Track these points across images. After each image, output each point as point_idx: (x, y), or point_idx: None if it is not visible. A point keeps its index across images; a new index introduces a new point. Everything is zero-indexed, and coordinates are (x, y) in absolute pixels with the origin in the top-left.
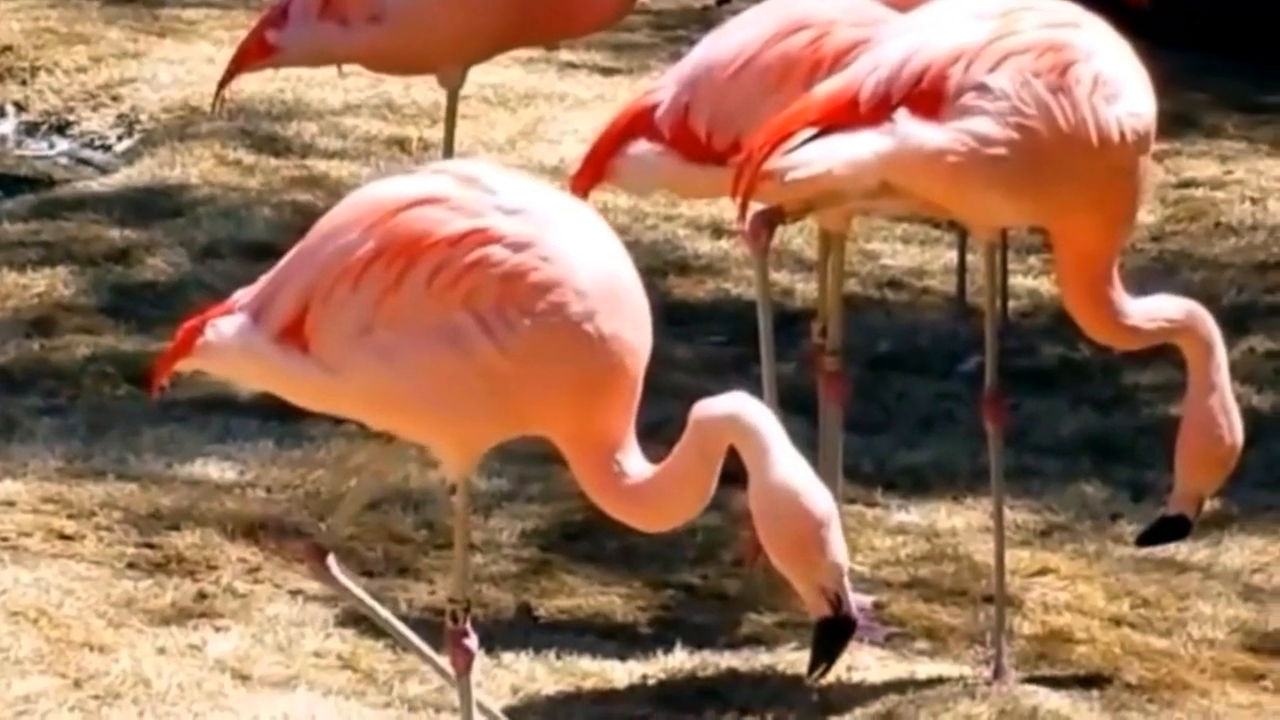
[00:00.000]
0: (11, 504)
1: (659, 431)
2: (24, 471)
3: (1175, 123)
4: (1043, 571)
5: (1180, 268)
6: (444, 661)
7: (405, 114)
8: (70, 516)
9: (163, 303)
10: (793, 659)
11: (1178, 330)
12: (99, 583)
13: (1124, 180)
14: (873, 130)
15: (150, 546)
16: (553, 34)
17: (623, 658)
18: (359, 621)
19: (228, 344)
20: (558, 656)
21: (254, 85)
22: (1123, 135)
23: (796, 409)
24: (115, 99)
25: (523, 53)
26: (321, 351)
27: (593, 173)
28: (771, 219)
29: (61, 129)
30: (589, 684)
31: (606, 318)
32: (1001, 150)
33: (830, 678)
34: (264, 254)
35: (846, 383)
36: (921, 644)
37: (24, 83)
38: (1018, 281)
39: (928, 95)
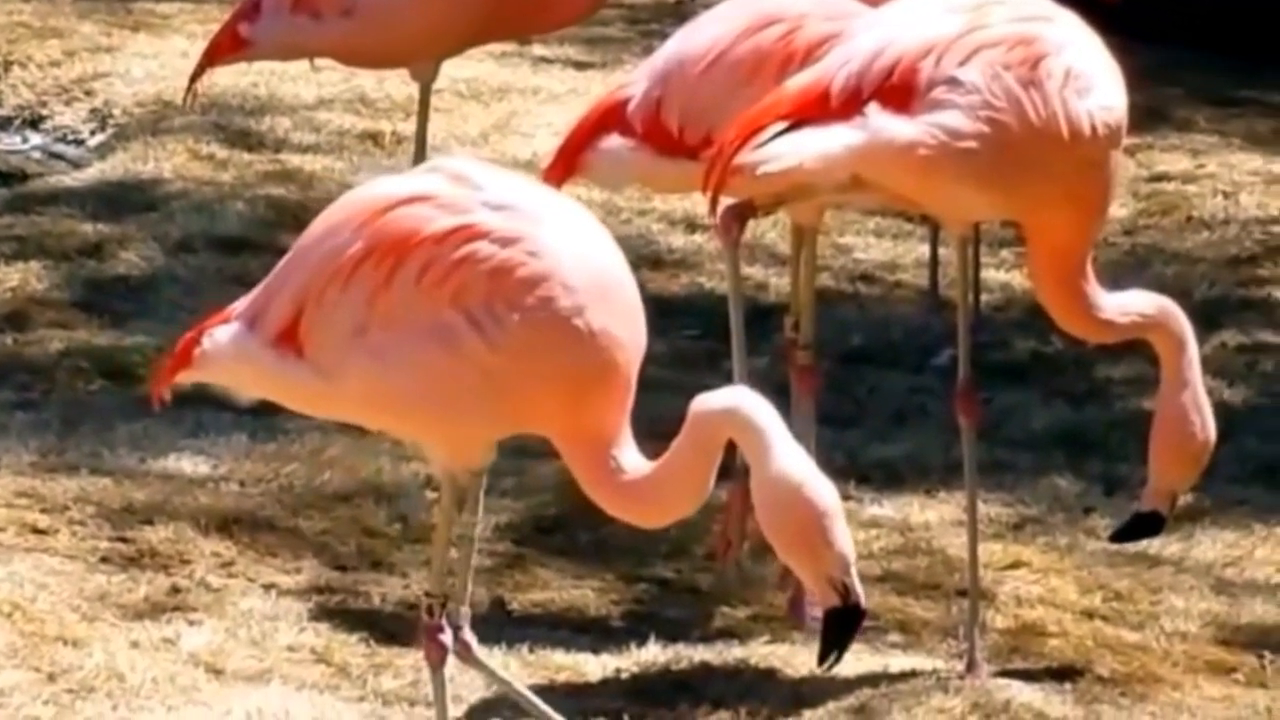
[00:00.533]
0: None
1: (632, 424)
2: None
3: (1147, 117)
4: (1015, 565)
5: (1152, 261)
6: None
7: (378, 108)
8: (44, 511)
9: (136, 297)
10: (765, 652)
11: (1151, 326)
12: (72, 577)
13: (1095, 174)
14: (844, 124)
15: (124, 541)
16: (525, 28)
17: (596, 651)
18: (332, 616)
19: (225, 352)
20: (531, 650)
21: (227, 79)
22: (1094, 129)
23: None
24: (88, 93)
25: (496, 47)
26: (316, 355)
27: (565, 167)
28: (742, 213)
29: (35, 123)
30: (562, 678)
31: (596, 312)
32: (972, 144)
33: (803, 671)
34: (237, 248)
35: (819, 376)
36: (895, 637)
37: None
38: (990, 275)
39: (899, 89)
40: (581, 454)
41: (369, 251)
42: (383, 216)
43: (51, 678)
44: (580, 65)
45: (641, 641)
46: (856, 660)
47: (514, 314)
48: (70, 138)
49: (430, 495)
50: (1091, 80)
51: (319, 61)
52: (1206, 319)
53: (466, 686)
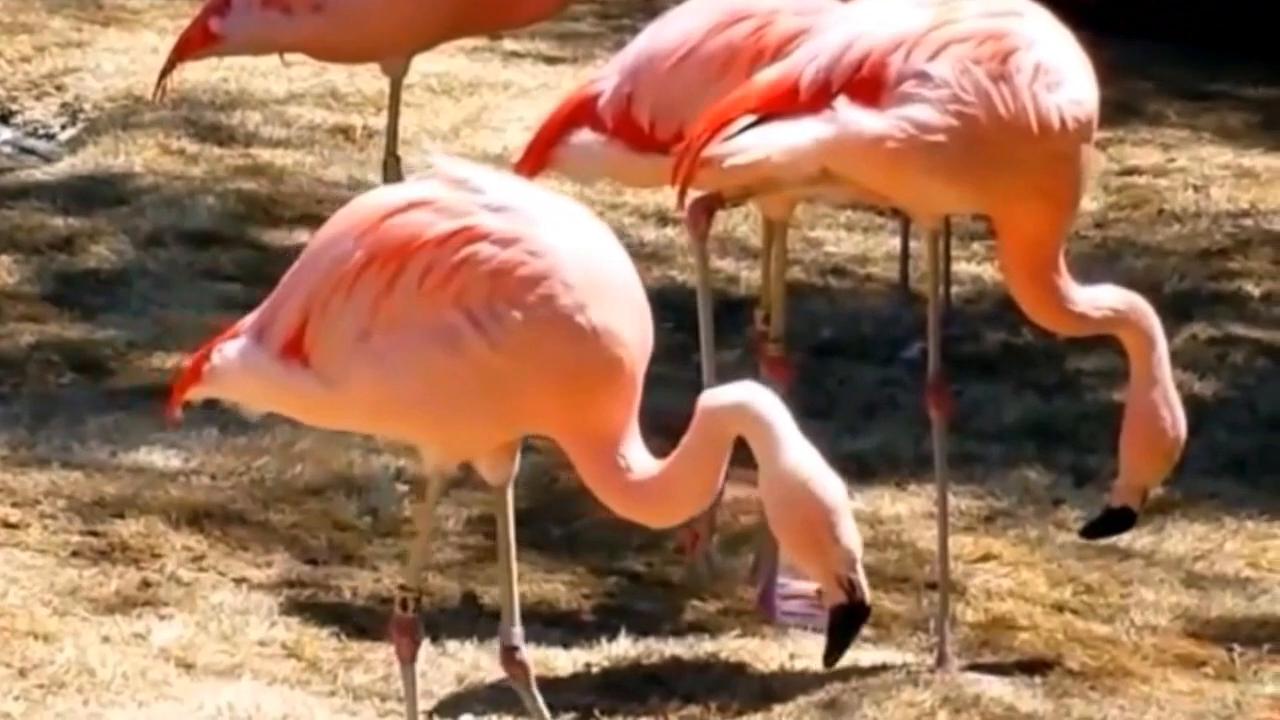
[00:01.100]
0: None
1: None
2: None
3: (1118, 110)
4: (986, 558)
5: (1123, 255)
6: None
7: (349, 103)
8: (14, 505)
9: (107, 291)
10: (736, 646)
11: (1122, 322)
12: (43, 571)
13: (1066, 168)
14: (812, 117)
15: (94, 535)
16: (496, 24)
17: (567, 645)
18: (303, 610)
19: (234, 367)
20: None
21: (198, 74)
22: (1064, 123)
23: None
24: (59, 88)
25: (467, 41)
26: (322, 364)
27: (536, 161)
28: (710, 205)
29: (5, 118)
30: (534, 672)
31: (598, 309)
32: (941, 137)
33: (773, 665)
34: (207, 243)
35: (790, 369)
36: (865, 631)
37: None
38: (961, 268)
39: (868, 83)
40: (588, 454)
41: (371, 258)
42: (383, 223)
43: (22, 673)
44: (551, 60)
45: (612, 635)
46: None
47: (515, 313)
48: (41, 132)
49: (401, 488)
50: (1061, 75)
51: (290, 56)
52: (1177, 312)
53: (438, 681)
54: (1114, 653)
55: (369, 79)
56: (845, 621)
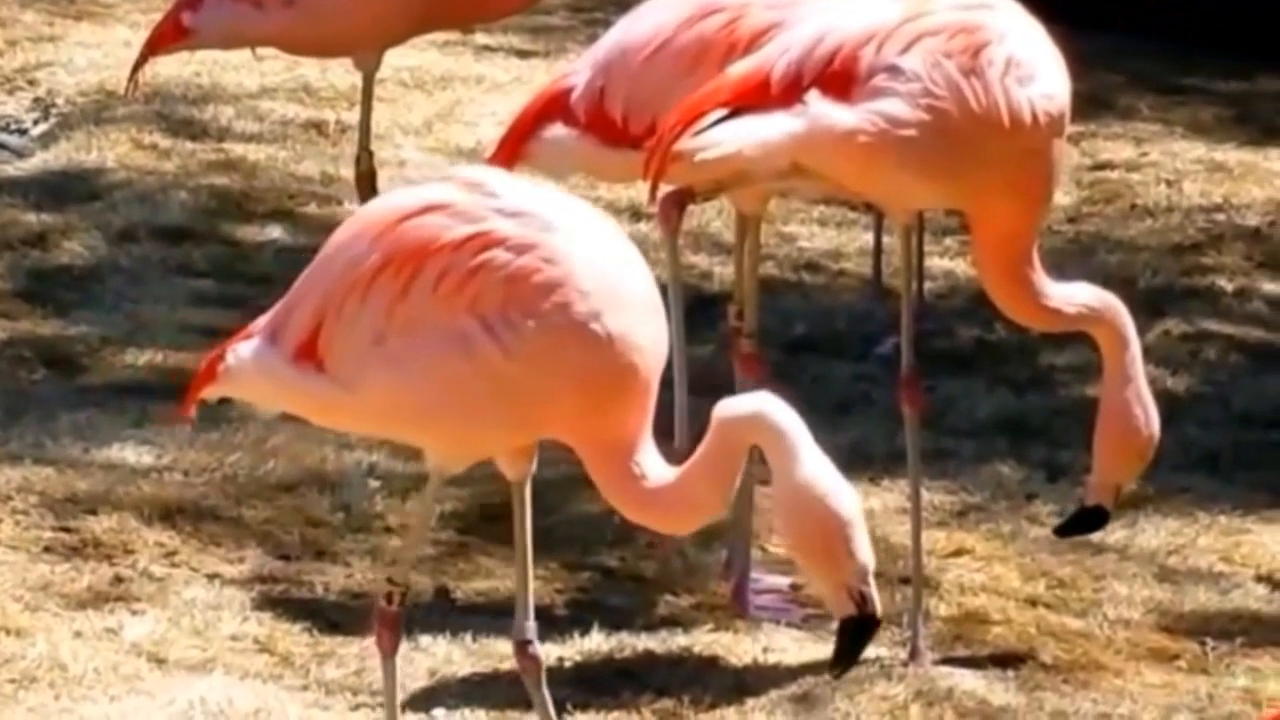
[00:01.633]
0: None
1: None
2: None
3: (1090, 105)
4: (959, 552)
5: (1096, 250)
6: None
7: (322, 97)
8: None
9: (79, 287)
10: (709, 640)
11: (1096, 319)
12: (15, 567)
13: (1038, 162)
14: (784, 111)
15: (67, 530)
16: (468, 18)
17: (540, 640)
18: (276, 605)
19: (248, 368)
20: (474, 639)
21: (170, 68)
22: (1035, 117)
23: (713, 392)
24: (31, 83)
25: (439, 35)
26: (336, 367)
27: (508, 156)
28: (681, 200)
29: None
30: (506, 666)
31: (613, 316)
32: (912, 131)
33: (746, 659)
34: (180, 238)
35: (763, 365)
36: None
37: None
38: (934, 263)
39: (839, 76)
40: (602, 461)
41: (386, 262)
42: (399, 227)
43: None
44: (523, 54)
45: (585, 630)
46: (799, 648)
47: (529, 320)
48: (13, 127)
49: (373, 484)
50: (1033, 68)
51: (262, 50)
52: (1150, 307)
53: (411, 675)
54: (1087, 647)
55: (341, 73)
56: (855, 634)
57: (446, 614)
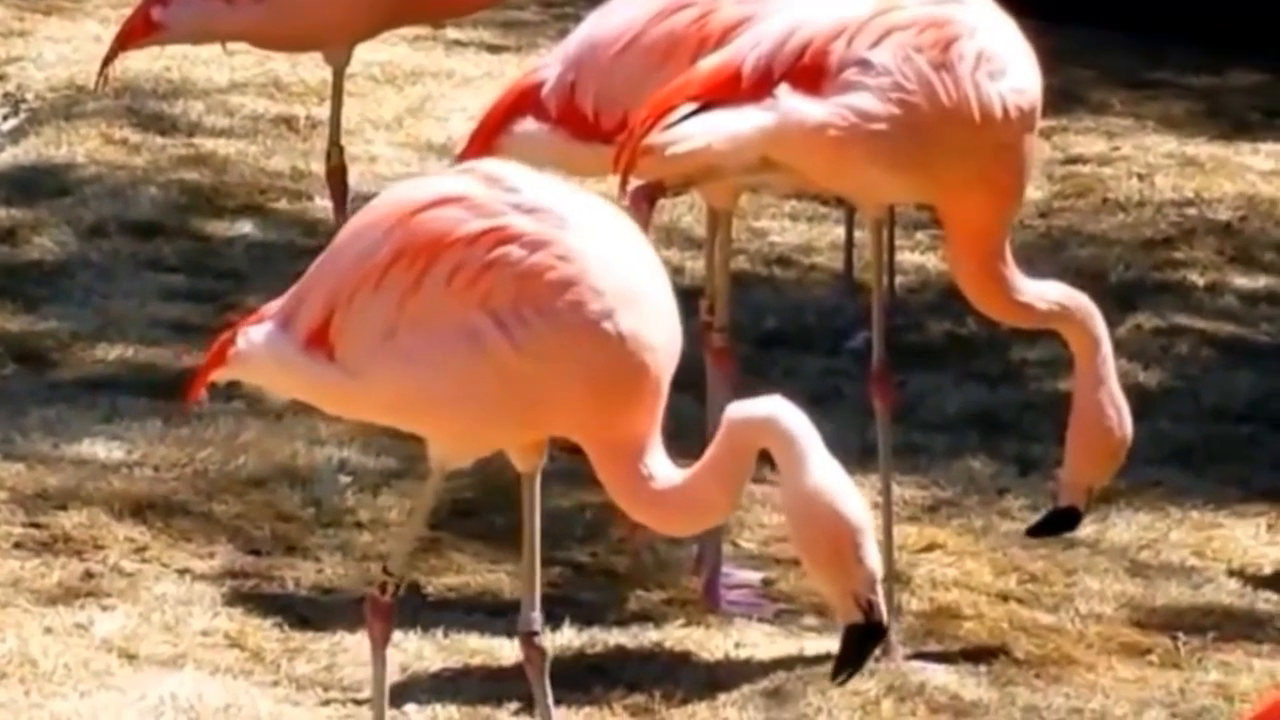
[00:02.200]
0: None
1: None
2: None
3: (1062, 99)
4: (930, 547)
5: (1068, 244)
6: None
7: (292, 92)
8: None
9: (49, 282)
10: (680, 636)
11: (1067, 318)
12: None
13: (1009, 157)
14: (754, 105)
15: (37, 526)
16: (439, 12)
17: (511, 635)
18: (246, 600)
19: (258, 352)
20: (445, 634)
21: (140, 63)
22: (1006, 112)
23: (684, 387)
24: (1, 78)
25: (410, 30)
26: (346, 356)
27: (479, 150)
28: (652, 194)
29: None
30: (477, 661)
31: (626, 316)
32: (883, 126)
33: (717, 654)
34: (151, 233)
35: (734, 360)
36: (810, 620)
37: None
38: (905, 258)
39: (810, 70)
40: (610, 460)
41: (400, 253)
42: (414, 218)
43: None
44: (494, 49)
45: (556, 625)
46: (771, 643)
47: (542, 318)
48: None
49: (344, 480)
50: (1004, 63)
51: (232, 45)
52: (1121, 301)
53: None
54: (1059, 641)
55: (312, 68)
56: (861, 641)
57: (418, 610)
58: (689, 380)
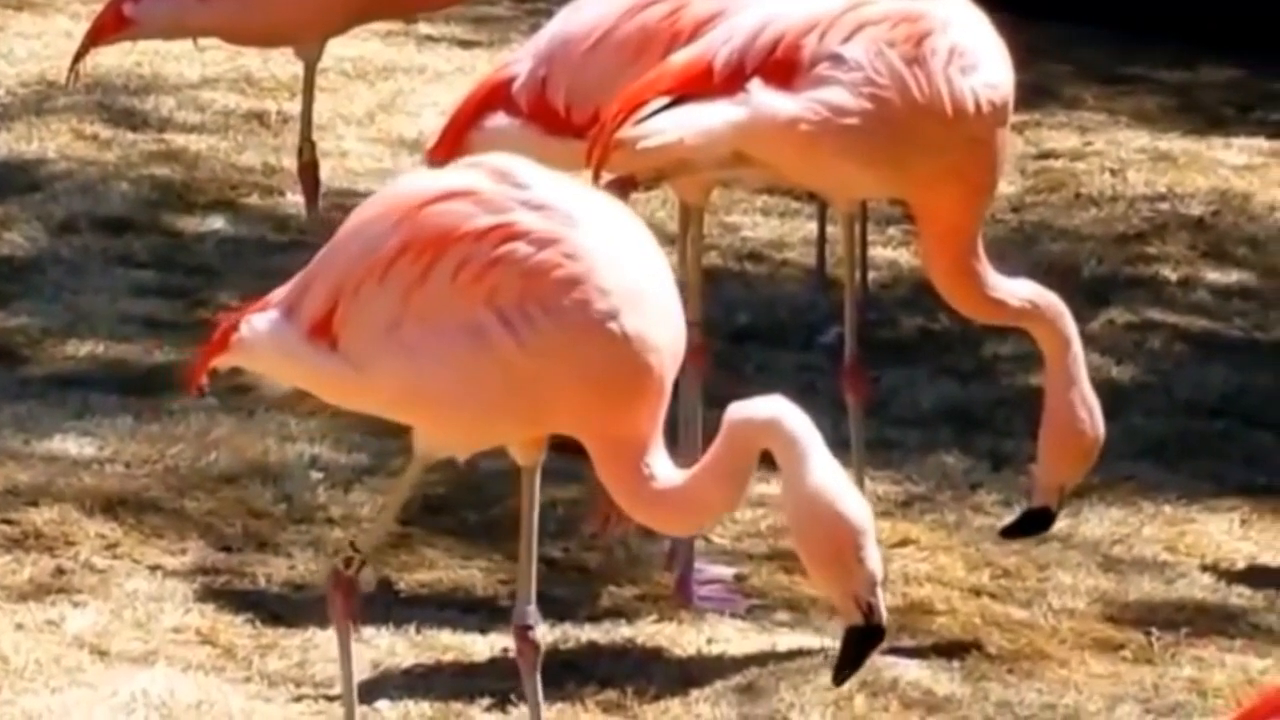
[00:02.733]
0: None
1: None
2: None
3: (1035, 94)
4: (903, 543)
5: (1040, 239)
6: None
7: (264, 87)
8: None
9: (20, 278)
10: (653, 631)
11: (1038, 317)
12: None
13: (982, 152)
14: (726, 100)
15: (8, 523)
16: (411, 7)
17: (484, 631)
18: (218, 597)
19: (261, 340)
20: (418, 631)
21: (111, 59)
22: (978, 106)
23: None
24: None
25: (381, 25)
26: (349, 348)
27: (451, 145)
28: (624, 188)
29: None
30: (449, 657)
31: (631, 316)
32: (855, 120)
33: (690, 650)
34: (121, 229)
35: (707, 355)
36: (782, 615)
37: None
38: (877, 253)
39: (782, 65)
40: (612, 459)
41: (406, 246)
42: (422, 211)
43: None
44: (466, 44)
45: None
46: (744, 639)
47: (547, 316)
48: None
49: (316, 476)
50: (976, 57)
51: (203, 41)
52: (1094, 296)
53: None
54: (1031, 636)
55: (283, 63)
56: (860, 643)
57: (389, 606)
58: None
